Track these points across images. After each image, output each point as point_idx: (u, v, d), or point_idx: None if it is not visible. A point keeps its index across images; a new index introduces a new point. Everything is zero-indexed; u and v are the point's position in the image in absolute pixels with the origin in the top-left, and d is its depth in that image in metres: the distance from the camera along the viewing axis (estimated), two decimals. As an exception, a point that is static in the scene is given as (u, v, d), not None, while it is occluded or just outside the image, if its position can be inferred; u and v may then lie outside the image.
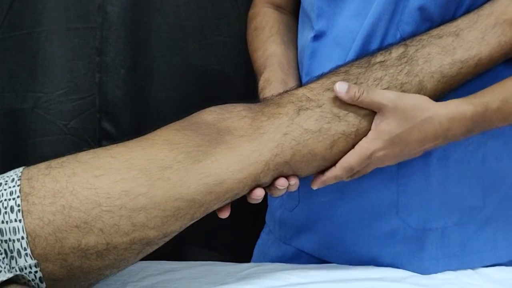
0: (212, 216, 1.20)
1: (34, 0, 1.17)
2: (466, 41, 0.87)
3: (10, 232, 0.75)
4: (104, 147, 0.83)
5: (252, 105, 0.88)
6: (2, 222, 0.76)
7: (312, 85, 0.89)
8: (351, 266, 0.95)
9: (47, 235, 0.75)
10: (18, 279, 0.72)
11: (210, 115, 0.86)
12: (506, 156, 0.96)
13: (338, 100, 0.86)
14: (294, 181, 0.86)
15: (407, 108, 0.84)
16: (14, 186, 0.77)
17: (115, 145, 0.83)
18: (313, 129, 0.85)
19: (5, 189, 0.77)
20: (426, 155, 0.91)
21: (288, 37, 1.06)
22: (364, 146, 0.85)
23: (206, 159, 0.81)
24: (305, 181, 0.96)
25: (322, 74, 0.91)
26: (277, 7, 1.10)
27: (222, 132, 0.83)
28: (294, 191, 0.95)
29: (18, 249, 0.75)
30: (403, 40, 0.89)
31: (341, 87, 0.85)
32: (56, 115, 1.23)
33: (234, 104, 0.88)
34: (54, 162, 0.81)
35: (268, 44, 1.05)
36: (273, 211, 1.10)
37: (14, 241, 0.75)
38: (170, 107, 1.24)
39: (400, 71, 0.87)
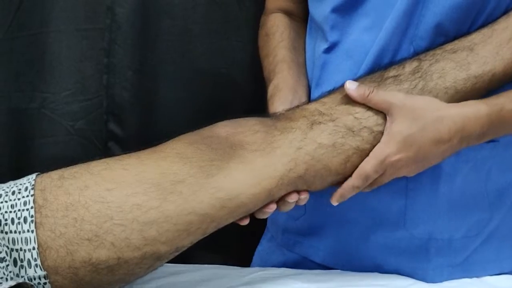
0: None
1: (43, 0, 1.18)
2: (481, 56, 0.86)
3: (22, 242, 0.76)
4: (116, 158, 0.83)
5: (265, 120, 0.88)
6: (15, 232, 0.76)
7: (324, 100, 0.88)
8: (356, 273, 0.95)
9: (59, 247, 0.75)
10: (22, 286, 0.73)
11: (223, 129, 0.85)
12: (511, 170, 0.95)
13: (350, 115, 0.85)
14: (305, 196, 0.85)
15: (416, 107, 0.82)
16: (28, 196, 0.77)
17: (127, 155, 0.83)
18: (327, 143, 0.84)
19: (18, 199, 0.78)
20: (435, 170, 0.89)
21: (298, 43, 1.06)
22: (378, 152, 0.83)
23: (219, 173, 0.80)
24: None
25: (334, 89, 0.91)
26: (288, 13, 1.10)
27: (235, 147, 0.82)
28: None
29: (29, 259, 0.75)
30: (416, 54, 0.88)
31: (351, 84, 0.85)
32: (63, 115, 1.23)
33: (246, 118, 0.88)
34: (66, 173, 0.80)
35: (278, 50, 1.04)
36: (276, 218, 1.09)
37: (25, 251, 0.75)
38: (177, 110, 1.24)
39: (415, 86, 0.86)
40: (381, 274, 0.95)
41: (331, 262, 1.01)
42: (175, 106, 1.25)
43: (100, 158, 0.84)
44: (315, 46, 1.00)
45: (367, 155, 0.84)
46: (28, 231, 0.76)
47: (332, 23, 0.95)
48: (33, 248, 0.75)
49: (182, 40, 1.23)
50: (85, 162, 0.84)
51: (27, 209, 0.76)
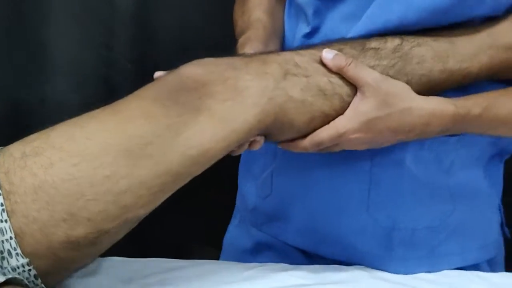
0: (215, 214, 1.21)
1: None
2: (460, 53, 0.85)
3: None
4: (76, 123, 0.77)
5: (236, 61, 0.82)
6: None
7: (302, 52, 0.85)
8: (357, 267, 0.95)
9: (34, 232, 0.73)
10: (11, 281, 0.71)
11: (190, 77, 0.80)
12: (473, 166, 0.95)
13: (325, 77, 0.82)
14: (260, 139, 0.83)
15: (389, 92, 0.81)
16: None
17: (87, 118, 0.78)
18: (297, 98, 0.81)
19: None
20: (400, 155, 0.90)
21: (277, 12, 1.03)
22: (339, 124, 0.82)
23: (188, 130, 0.76)
24: (278, 170, 0.98)
25: (314, 44, 0.89)
26: None
27: (204, 97, 0.78)
28: (267, 180, 0.97)
29: (9, 249, 0.73)
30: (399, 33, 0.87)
31: (327, 53, 0.82)
32: (63, 107, 1.23)
33: (216, 60, 0.82)
34: (28, 148, 0.75)
35: (255, 11, 1.01)
36: (245, 197, 1.09)
37: (3, 241, 0.73)
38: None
39: (393, 65, 0.84)
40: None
41: (300, 243, 1.01)
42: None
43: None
44: (296, 28, 0.99)
45: (330, 121, 0.83)
46: (1, 221, 0.73)
47: (315, 8, 0.93)
48: (10, 238, 0.73)
49: (181, 34, 1.23)
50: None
51: None
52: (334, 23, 0.92)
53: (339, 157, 0.91)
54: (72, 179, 0.73)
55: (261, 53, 0.87)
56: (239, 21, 1.03)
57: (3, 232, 0.73)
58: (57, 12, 1.19)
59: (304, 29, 0.95)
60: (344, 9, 0.91)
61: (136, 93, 0.80)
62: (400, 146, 0.90)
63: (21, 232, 0.73)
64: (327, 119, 0.83)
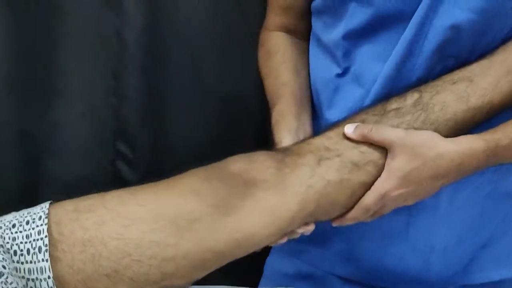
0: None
1: (52, 22, 1.17)
2: (480, 88, 0.87)
3: (37, 271, 0.76)
4: (129, 191, 0.83)
5: (274, 154, 0.88)
6: (31, 262, 0.76)
7: (330, 134, 0.90)
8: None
9: (77, 283, 0.76)
10: None
11: (235, 165, 0.86)
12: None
13: (355, 149, 0.87)
14: (311, 227, 0.88)
15: (416, 144, 0.84)
16: (41, 225, 0.78)
17: (141, 189, 0.84)
18: (335, 180, 0.85)
19: (33, 228, 0.78)
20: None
21: (301, 63, 1.07)
22: (379, 186, 0.86)
23: (235, 213, 0.81)
24: None
25: (338, 121, 0.92)
26: (289, 31, 1.10)
27: (248, 184, 0.83)
28: None
29: None
30: (417, 85, 0.90)
31: (349, 128, 0.87)
32: (72, 136, 1.23)
33: (257, 153, 0.88)
34: (81, 205, 0.81)
35: (281, 71, 1.05)
36: None
37: (41, 280, 0.76)
38: (187, 131, 1.25)
39: (416, 118, 0.87)
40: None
41: (340, 271, 1.03)
42: (184, 127, 1.25)
43: (111, 184, 0.85)
44: (327, 68, 1.01)
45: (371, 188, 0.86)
46: (42, 260, 0.76)
47: (344, 50, 0.96)
48: (48, 277, 0.76)
49: (190, 63, 1.23)
50: (99, 192, 0.84)
51: (41, 239, 0.77)
52: (365, 62, 0.94)
53: None
54: (121, 238, 0.77)
55: (295, 144, 0.92)
56: (266, 81, 1.07)
57: (42, 271, 0.76)
58: (66, 42, 1.18)
59: (335, 69, 0.98)
60: (373, 48, 0.93)
61: (190, 171, 0.86)
62: None
63: (63, 280, 0.76)
64: (368, 187, 0.86)
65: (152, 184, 0.85)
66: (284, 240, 0.87)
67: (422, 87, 0.89)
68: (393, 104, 0.89)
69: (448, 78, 0.89)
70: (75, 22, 1.17)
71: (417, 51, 0.89)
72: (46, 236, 0.77)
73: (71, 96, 1.21)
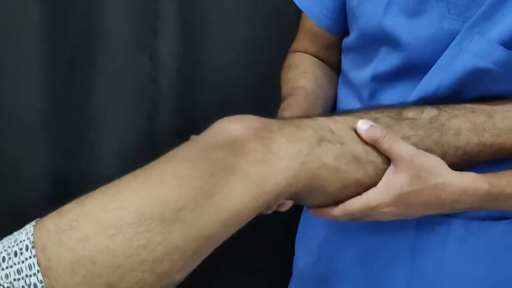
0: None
1: (87, 67, 1.21)
2: (497, 127, 0.85)
3: None
4: (108, 192, 0.78)
5: (272, 123, 0.82)
6: None
7: (338, 118, 0.85)
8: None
9: None
10: None
11: (226, 130, 0.81)
12: None
13: (361, 144, 0.83)
14: (289, 203, 0.83)
15: (422, 167, 0.81)
16: (30, 258, 0.74)
17: (120, 186, 0.79)
18: (331, 165, 0.80)
19: (22, 261, 0.74)
20: (445, 235, 0.91)
21: (322, 80, 1.04)
22: (372, 197, 0.82)
23: (220, 191, 0.76)
24: (327, 241, 0.99)
25: (350, 110, 0.90)
26: (316, 57, 1.09)
27: (236, 155, 0.78)
28: (314, 248, 0.98)
29: None
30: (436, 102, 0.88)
31: (363, 125, 0.83)
32: (105, 180, 1.23)
33: (253, 118, 0.82)
34: (61, 222, 0.76)
35: (299, 79, 1.02)
36: (296, 260, 1.10)
37: None
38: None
39: (429, 136, 0.84)
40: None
41: None
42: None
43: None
44: (352, 105, 1.00)
45: (364, 189, 0.83)
46: None
47: (371, 91, 0.95)
48: None
49: (222, 111, 1.25)
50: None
51: (34, 274, 0.73)
52: (390, 102, 0.92)
53: (384, 226, 0.92)
54: (108, 251, 0.74)
55: (297, 117, 0.88)
56: (283, 87, 1.04)
57: None
58: (101, 90, 1.22)
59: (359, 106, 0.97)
60: (400, 88, 0.92)
61: (166, 155, 0.81)
62: (444, 222, 0.91)
63: None
64: (361, 187, 0.83)
65: (132, 175, 0.80)
66: (270, 211, 0.82)
67: (442, 106, 0.87)
68: (410, 113, 0.86)
69: (468, 105, 0.87)
70: (110, 68, 1.22)
71: (437, 90, 0.88)
72: (38, 271, 0.73)
73: (106, 140, 1.24)
